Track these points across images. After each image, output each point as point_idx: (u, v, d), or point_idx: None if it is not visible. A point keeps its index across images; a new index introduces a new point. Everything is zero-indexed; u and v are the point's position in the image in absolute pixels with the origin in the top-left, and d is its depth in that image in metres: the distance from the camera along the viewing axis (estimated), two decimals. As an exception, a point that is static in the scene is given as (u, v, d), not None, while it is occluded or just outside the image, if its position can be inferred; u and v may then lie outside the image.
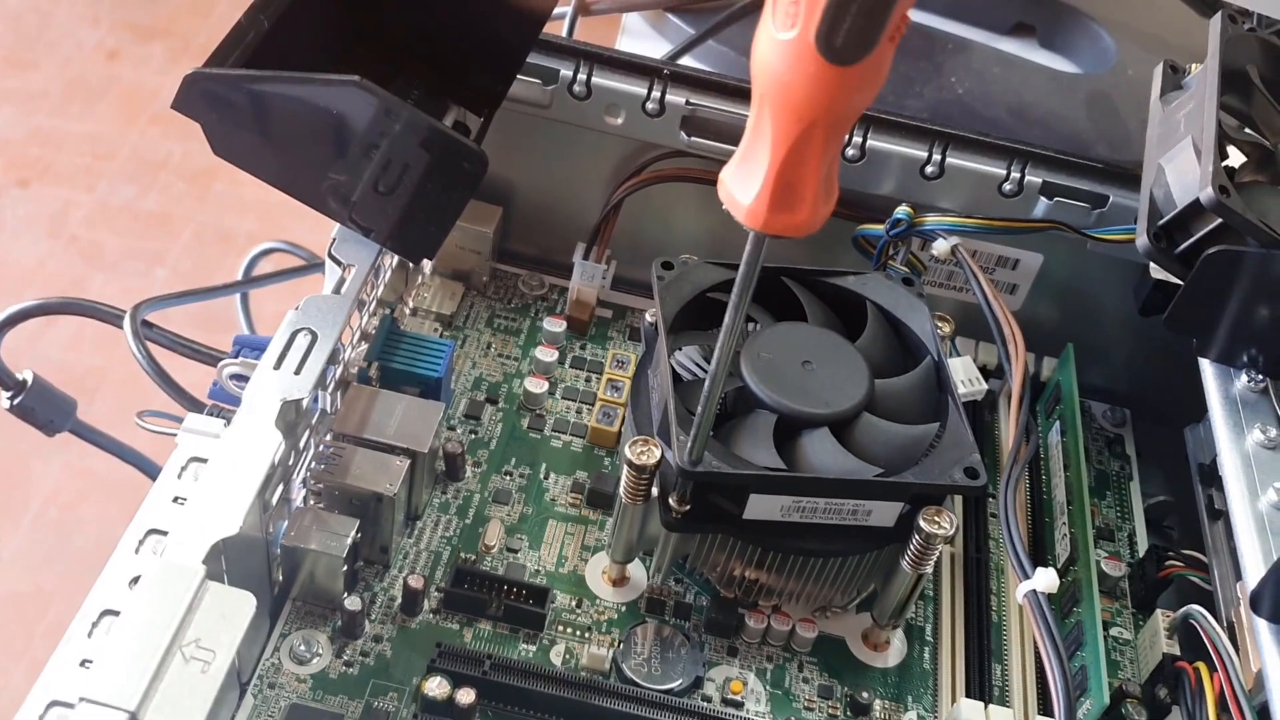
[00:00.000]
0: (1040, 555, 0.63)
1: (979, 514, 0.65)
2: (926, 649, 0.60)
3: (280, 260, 0.77)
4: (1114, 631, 0.62)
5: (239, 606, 0.41)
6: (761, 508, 0.54)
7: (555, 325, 0.69)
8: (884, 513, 0.55)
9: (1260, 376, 0.56)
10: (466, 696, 0.52)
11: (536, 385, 0.66)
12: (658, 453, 0.54)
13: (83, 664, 0.39)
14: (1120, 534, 0.66)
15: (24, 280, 1.64)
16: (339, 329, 0.50)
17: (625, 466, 0.54)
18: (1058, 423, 0.67)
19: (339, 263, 0.51)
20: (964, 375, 0.64)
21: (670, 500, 0.55)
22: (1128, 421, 0.72)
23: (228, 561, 0.46)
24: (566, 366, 0.69)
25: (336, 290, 0.51)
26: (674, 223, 0.70)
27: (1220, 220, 0.52)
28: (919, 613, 0.61)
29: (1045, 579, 0.51)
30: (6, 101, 1.88)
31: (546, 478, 0.64)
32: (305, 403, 0.51)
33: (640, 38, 0.90)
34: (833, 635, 0.60)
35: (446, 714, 0.52)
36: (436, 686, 0.52)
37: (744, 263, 0.45)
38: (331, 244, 0.52)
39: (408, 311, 0.68)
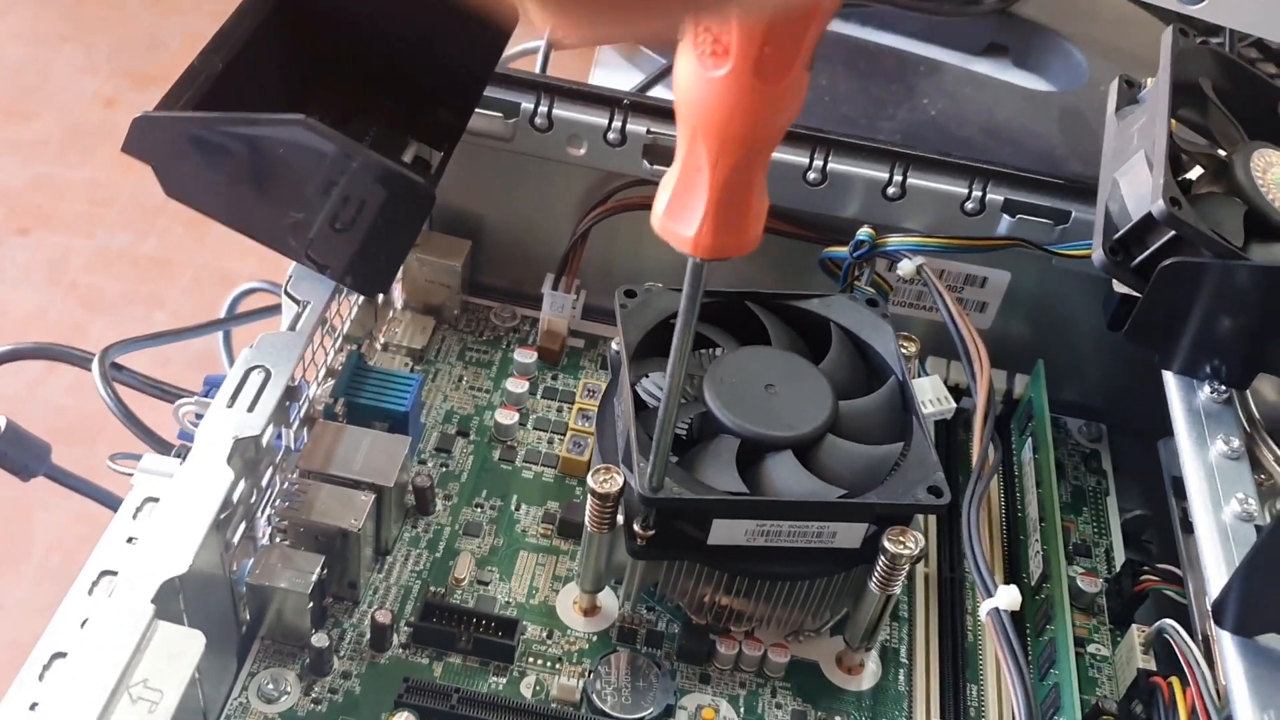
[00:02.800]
0: (1014, 573, 0.63)
1: (952, 533, 0.64)
2: (901, 671, 0.60)
3: (264, 299, 0.78)
4: (1091, 648, 0.61)
5: (188, 646, 0.41)
6: (726, 533, 0.54)
7: (526, 356, 0.69)
8: (849, 534, 0.55)
9: (1223, 387, 0.56)
10: (433, 731, 0.52)
11: (507, 417, 0.66)
12: (620, 480, 0.54)
13: (32, 707, 0.39)
14: (1097, 550, 0.66)
15: (24, 327, 1.65)
16: (293, 365, 0.50)
17: (589, 495, 0.54)
18: (1030, 440, 0.67)
19: (295, 300, 0.52)
20: (932, 394, 0.64)
21: (635, 527, 0.54)
22: (1103, 436, 0.72)
23: (186, 601, 0.46)
24: (538, 397, 0.69)
25: (292, 327, 0.51)
26: (642, 250, 0.71)
27: (1174, 232, 0.52)
28: (893, 634, 0.61)
29: (1007, 596, 0.50)
30: (6, 151, 1.90)
31: (518, 509, 0.64)
32: (266, 440, 0.51)
33: (613, 69, 0.91)
34: (806, 659, 0.59)
35: (414, 749, 0.52)
36: (403, 721, 0.52)
37: (686, 288, 0.45)
38: (287, 282, 0.53)
39: (378, 347, 0.68)
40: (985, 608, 0.51)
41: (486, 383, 0.69)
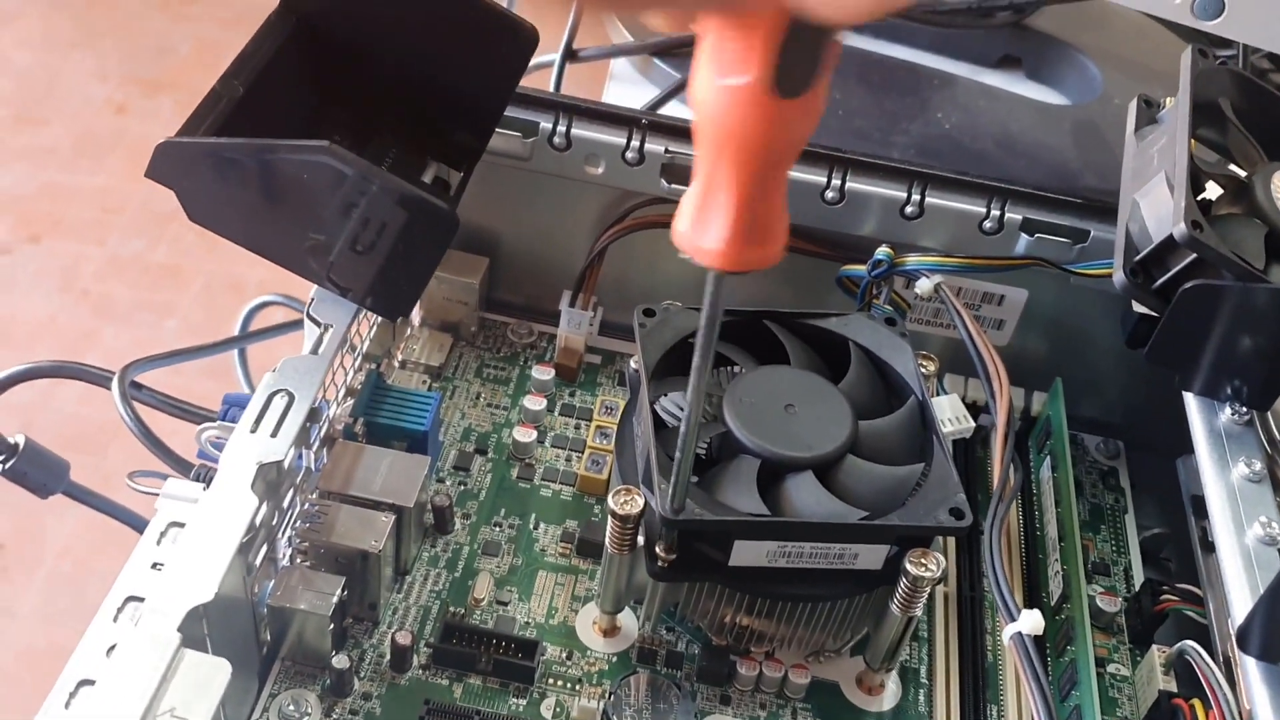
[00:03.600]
0: (1034, 593, 0.63)
1: (972, 552, 0.64)
2: (921, 691, 0.60)
3: (277, 313, 0.78)
4: (1111, 668, 0.61)
5: (214, 674, 0.41)
6: (747, 554, 0.54)
7: (543, 373, 0.69)
8: (871, 555, 0.55)
9: (1244, 409, 0.55)
10: (455, 753, 0.52)
11: (525, 434, 0.66)
12: (641, 501, 0.54)
13: (60, 735, 0.39)
14: (1116, 568, 0.66)
15: (36, 335, 1.66)
16: (316, 389, 0.50)
17: (609, 516, 0.54)
18: (1049, 458, 0.67)
19: (317, 323, 0.52)
20: (951, 414, 0.64)
21: (656, 549, 0.55)
22: (1121, 454, 0.72)
23: (210, 625, 0.46)
24: (556, 414, 0.69)
25: (314, 350, 0.51)
26: (659, 268, 0.71)
27: (1195, 255, 0.52)
28: (913, 654, 0.61)
29: (1030, 621, 0.50)
30: (18, 159, 1.90)
31: (536, 528, 0.64)
32: (287, 463, 0.51)
33: (627, 83, 0.91)
34: (826, 680, 0.59)
35: (436, 771, 0.52)
36: (428, 744, 0.52)
37: (706, 304, 0.45)
38: (309, 304, 0.53)
39: (396, 365, 0.69)
40: (1008, 632, 0.51)
41: (504, 400, 0.69)
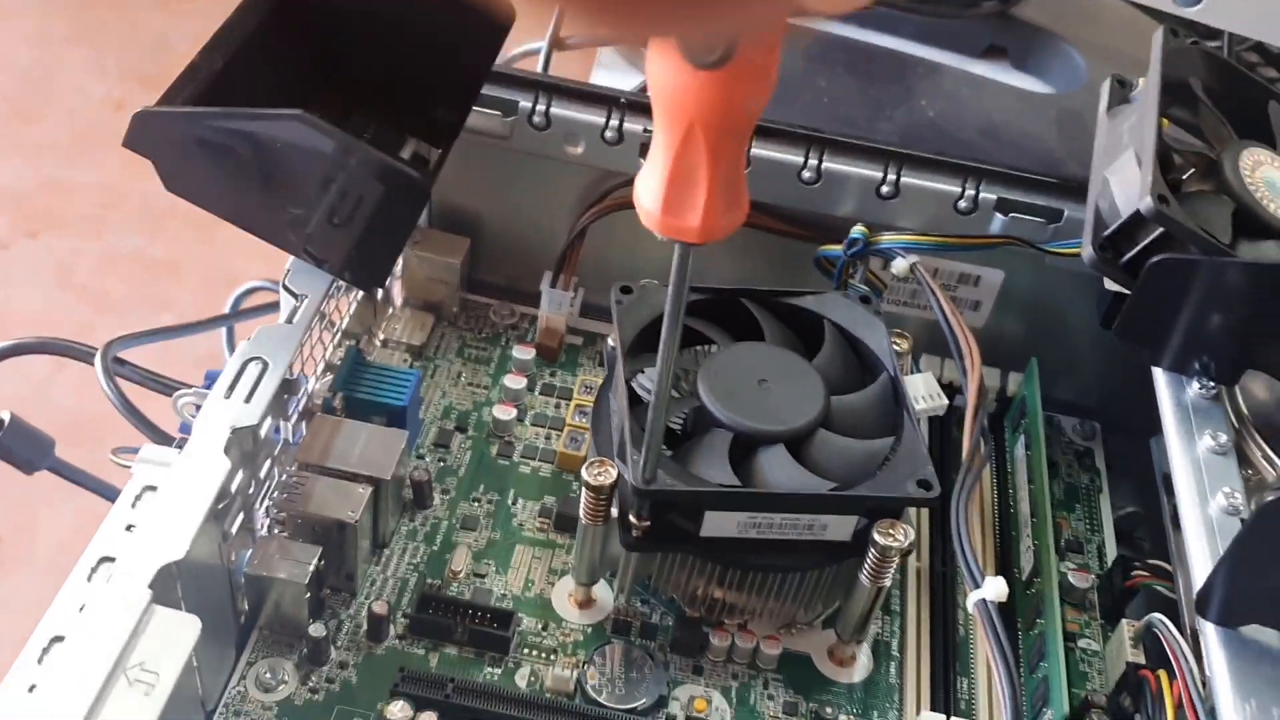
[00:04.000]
0: (1006, 568, 0.64)
1: (945, 528, 0.65)
2: (892, 663, 0.60)
3: (267, 297, 0.78)
4: (1083, 643, 0.62)
5: (184, 629, 0.42)
6: (718, 524, 0.55)
7: (524, 353, 0.70)
8: (840, 527, 0.55)
9: (1211, 383, 0.56)
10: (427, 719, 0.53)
11: (505, 413, 0.67)
12: (614, 473, 0.55)
13: (30, 689, 0.40)
14: (1089, 546, 0.66)
15: (33, 329, 1.66)
16: (290, 356, 0.51)
17: (583, 487, 0.55)
18: (1023, 437, 0.68)
19: (293, 293, 0.53)
20: (924, 391, 0.64)
21: (629, 519, 0.55)
22: (1097, 434, 0.72)
23: (184, 590, 0.47)
24: (536, 393, 0.70)
25: (289, 320, 0.52)
26: (639, 248, 0.71)
27: (1162, 229, 0.53)
28: (885, 627, 0.62)
29: (994, 588, 0.51)
30: (15, 154, 1.91)
31: (514, 503, 0.64)
32: (264, 432, 0.52)
33: (614, 69, 0.92)
34: (798, 652, 0.60)
35: (409, 737, 0.53)
36: (399, 711, 0.53)
37: (674, 276, 0.46)
38: (285, 275, 0.54)
39: (378, 343, 0.69)
40: (973, 599, 0.52)
41: (485, 379, 0.70)
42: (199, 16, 2.24)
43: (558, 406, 0.69)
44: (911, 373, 0.65)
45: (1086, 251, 0.55)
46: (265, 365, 0.50)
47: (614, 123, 0.66)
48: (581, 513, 0.56)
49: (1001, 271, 0.69)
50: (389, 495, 0.58)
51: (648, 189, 0.42)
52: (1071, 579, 0.63)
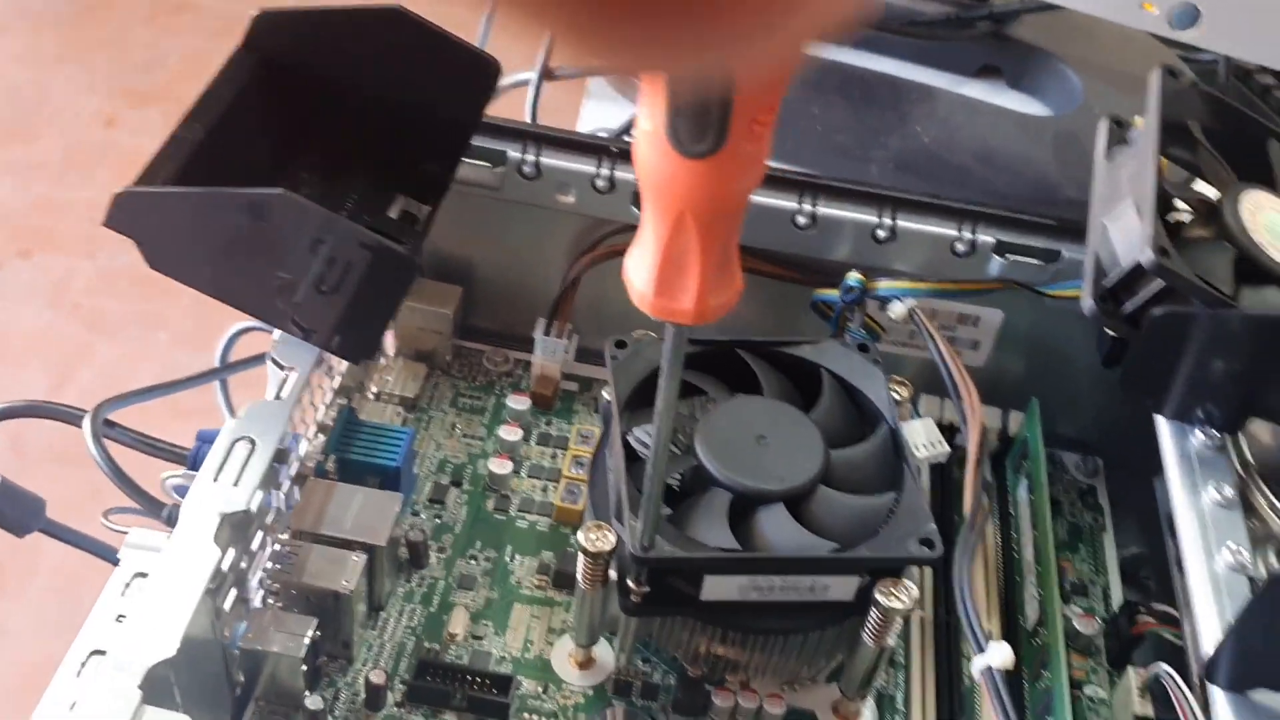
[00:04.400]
0: (1010, 615, 0.63)
1: (949, 577, 0.64)
2: (898, 717, 0.60)
3: (259, 338, 0.78)
4: (1089, 690, 0.61)
5: (176, 730, 0.41)
6: (718, 588, 0.54)
7: (519, 403, 0.69)
8: (842, 587, 0.55)
9: (1216, 433, 0.55)
10: (428, 792, 0.52)
11: (501, 466, 0.66)
12: (612, 538, 0.54)
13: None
14: (1094, 588, 0.66)
15: (29, 349, 1.66)
16: (279, 435, 0.50)
17: (580, 553, 0.54)
18: (1025, 480, 0.67)
19: (280, 365, 0.52)
20: (925, 438, 0.63)
21: (628, 584, 0.54)
22: (1100, 471, 0.71)
23: (178, 672, 0.46)
24: (532, 443, 0.69)
25: (278, 395, 0.51)
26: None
27: (1163, 282, 0.52)
28: (889, 680, 0.61)
29: (1000, 655, 0.50)
30: (7, 173, 1.90)
31: (512, 560, 0.64)
32: (253, 508, 0.51)
33: (604, 100, 0.91)
34: (803, 709, 0.59)
35: (408, 811, 0.52)
36: (398, 784, 0.52)
37: (667, 355, 0.45)
38: (273, 347, 0.53)
39: (370, 397, 0.68)
40: (977, 666, 0.51)
41: (480, 429, 0.69)
42: (188, 33, 2.23)
43: (554, 457, 0.68)
44: (911, 418, 0.64)
45: (1087, 303, 0.54)
46: (254, 445, 0.49)
47: (604, 171, 0.65)
48: (579, 577, 0.55)
49: (1001, 312, 0.68)
50: (384, 560, 0.58)
51: (638, 271, 0.41)
52: (1077, 624, 0.62)
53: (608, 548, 0.54)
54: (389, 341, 0.70)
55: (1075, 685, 0.61)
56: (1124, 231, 0.54)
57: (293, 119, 0.57)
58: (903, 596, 0.53)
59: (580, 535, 0.54)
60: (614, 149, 0.65)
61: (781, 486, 0.55)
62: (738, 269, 0.42)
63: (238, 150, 0.53)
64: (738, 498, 0.55)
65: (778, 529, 0.55)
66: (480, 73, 0.58)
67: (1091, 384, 0.70)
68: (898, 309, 0.64)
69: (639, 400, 0.59)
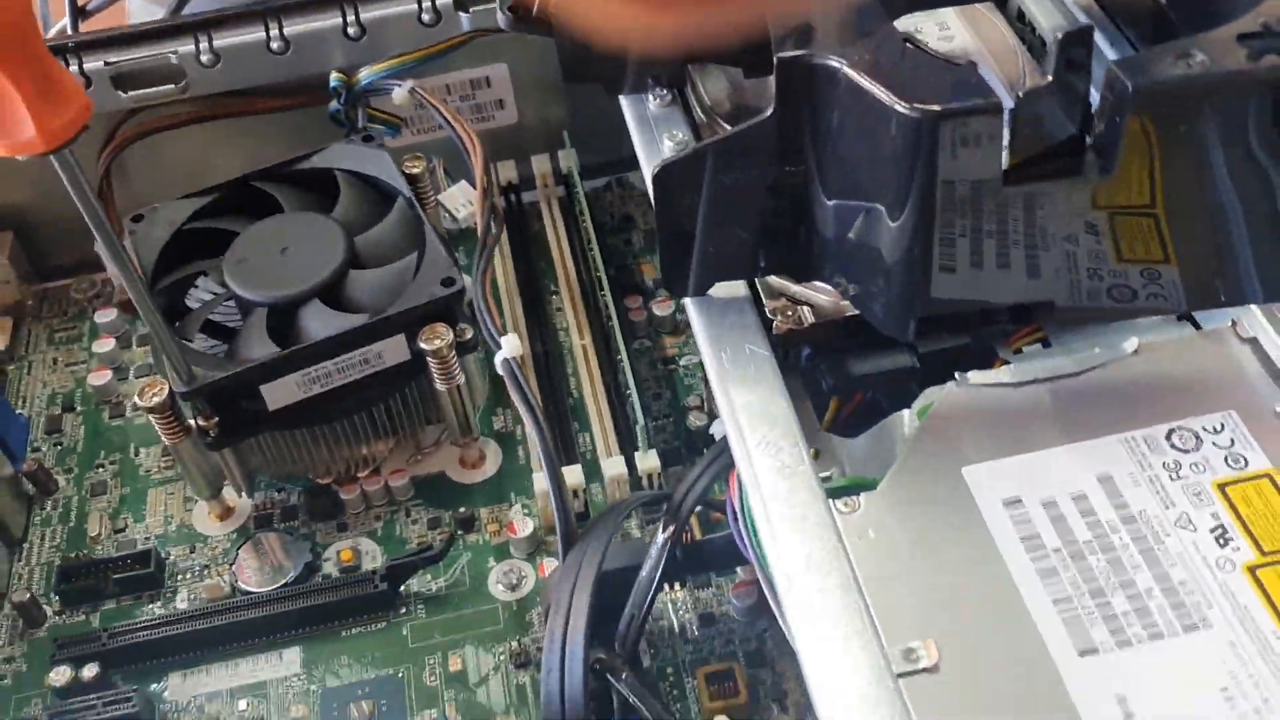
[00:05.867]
0: (594, 316, 0.67)
1: (540, 316, 0.69)
2: (519, 446, 0.64)
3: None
4: (684, 361, 0.67)
5: None
6: (280, 394, 0.57)
7: (106, 315, 0.71)
8: (394, 350, 0.58)
9: (665, 92, 0.59)
10: (90, 672, 0.55)
11: (100, 377, 0.68)
12: (166, 388, 0.57)
13: None
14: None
15: None
16: None
17: (146, 412, 0.57)
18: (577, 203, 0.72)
19: None
20: (463, 199, 0.67)
21: (199, 422, 0.58)
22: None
23: None
24: (134, 348, 0.71)
25: None
26: (167, 166, 0.71)
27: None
28: (505, 419, 0.66)
29: (510, 346, 0.55)
30: None
31: (137, 455, 0.66)
32: None
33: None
34: (431, 473, 0.64)
35: (81, 694, 0.55)
36: (58, 675, 0.55)
37: (71, 189, 0.47)
38: None
39: (-36, 364, 0.70)
40: (498, 359, 0.56)
41: (81, 354, 0.71)
42: None
43: (157, 351, 0.71)
44: (447, 187, 0.68)
45: (501, 18, 0.58)
46: None
47: (73, 69, 0.66)
48: (160, 434, 0.58)
49: (503, 64, 0.72)
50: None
51: None
52: (656, 309, 0.68)
53: (164, 397, 0.56)
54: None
55: (670, 362, 0.67)
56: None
57: None
58: (442, 334, 0.57)
59: (136, 397, 0.57)
60: (72, 44, 0.66)
61: (308, 284, 0.59)
62: (69, 79, 0.44)
63: None
64: (274, 309, 0.59)
65: (318, 321, 0.58)
66: None
67: (608, 102, 0.74)
68: (399, 94, 0.67)
69: (175, 260, 0.62)
